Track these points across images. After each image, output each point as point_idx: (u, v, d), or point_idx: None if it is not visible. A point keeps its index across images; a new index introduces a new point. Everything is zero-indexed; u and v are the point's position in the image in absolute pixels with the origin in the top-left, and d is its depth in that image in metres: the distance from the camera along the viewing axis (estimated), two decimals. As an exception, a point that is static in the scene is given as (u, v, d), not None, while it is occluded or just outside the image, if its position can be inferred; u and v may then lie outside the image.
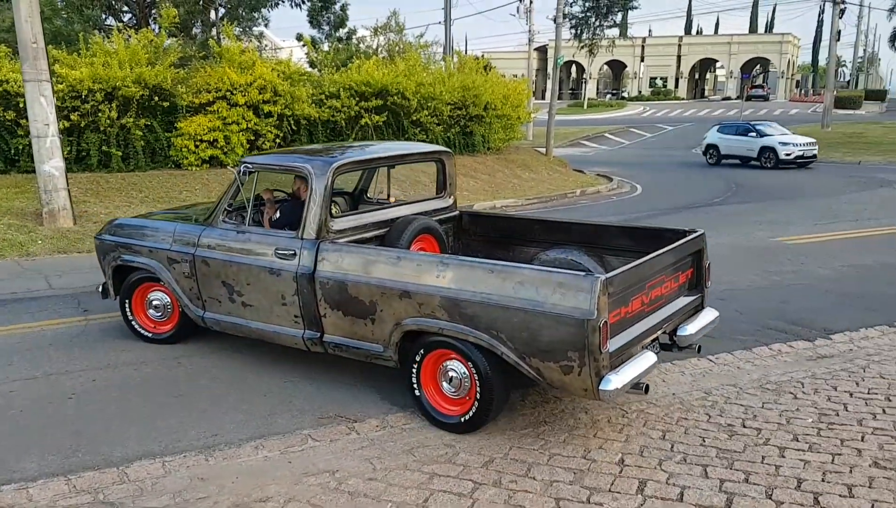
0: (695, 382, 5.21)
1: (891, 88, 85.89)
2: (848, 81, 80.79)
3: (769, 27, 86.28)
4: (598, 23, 36.27)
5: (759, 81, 73.71)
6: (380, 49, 23.26)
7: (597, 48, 36.36)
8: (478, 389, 4.25)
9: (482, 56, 24.60)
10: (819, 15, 71.87)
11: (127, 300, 5.98)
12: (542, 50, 70.62)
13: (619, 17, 38.92)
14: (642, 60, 78.01)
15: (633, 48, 74.12)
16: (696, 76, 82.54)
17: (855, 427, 4.35)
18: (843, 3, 34.47)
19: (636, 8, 28.36)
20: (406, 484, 3.77)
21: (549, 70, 70.04)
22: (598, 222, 6.00)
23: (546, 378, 4.00)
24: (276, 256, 4.91)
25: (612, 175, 20.05)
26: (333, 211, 4.92)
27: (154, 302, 5.91)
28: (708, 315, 5.04)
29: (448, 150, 6.28)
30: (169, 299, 5.86)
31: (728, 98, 71.18)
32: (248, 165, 5.24)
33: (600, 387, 3.83)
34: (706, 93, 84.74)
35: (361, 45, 24.47)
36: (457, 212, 6.26)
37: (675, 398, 4.90)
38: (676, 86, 77.56)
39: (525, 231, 6.09)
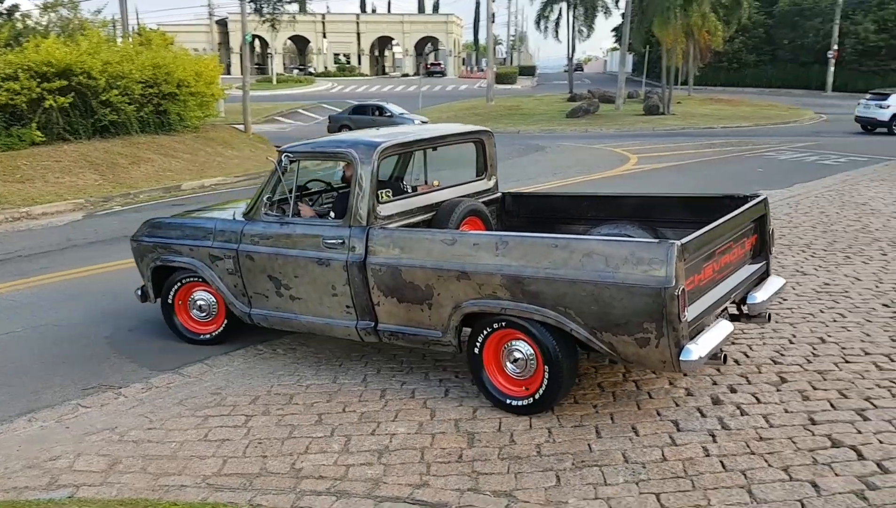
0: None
1: (539, 64, 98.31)
2: (504, 59, 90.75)
3: (436, 8, 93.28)
4: (276, -2, 36.51)
5: (432, 58, 79.79)
6: (51, 26, 21.22)
7: (279, 23, 36.62)
8: (545, 368, 4.14)
9: (158, 29, 23.60)
10: (476, -3, 79.49)
11: (169, 302, 5.71)
12: (223, 23, 68.60)
13: (299, -8, 39.50)
14: (325, 37, 79.54)
15: (315, 24, 75.29)
16: (376, 53, 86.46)
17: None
18: (496, -13, 38.98)
19: (314, -16, 29.23)
20: (184, 427, 4.29)
21: (232, 44, 68.17)
22: (650, 194, 5.91)
23: (620, 353, 3.91)
24: (324, 245, 4.75)
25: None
26: (380, 196, 4.79)
27: (198, 302, 5.67)
28: (776, 282, 5.00)
29: (488, 130, 6.12)
30: (214, 299, 5.62)
31: (407, 75, 75.84)
32: (290, 155, 5.05)
33: (681, 358, 3.72)
34: (386, 70, 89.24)
35: (28, 21, 22.06)
36: (499, 194, 6.11)
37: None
38: (359, 62, 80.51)
39: (572, 209, 5.94)
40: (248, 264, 5.10)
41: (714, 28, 32.99)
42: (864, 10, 46.60)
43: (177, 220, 5.86)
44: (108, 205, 12.75)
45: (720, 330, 4.09)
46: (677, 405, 4.29)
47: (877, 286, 6.53)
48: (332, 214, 5.01)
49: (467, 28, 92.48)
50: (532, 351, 4.18)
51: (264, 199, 5.10)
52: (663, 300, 3.62)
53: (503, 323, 4.23)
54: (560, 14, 41.83)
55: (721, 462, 3.63)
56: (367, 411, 4.41)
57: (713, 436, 3.89)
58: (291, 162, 5.04)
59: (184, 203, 12.88)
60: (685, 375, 4.42)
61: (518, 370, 4.28)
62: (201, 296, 5.63)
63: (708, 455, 3.70)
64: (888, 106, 23.09)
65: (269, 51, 66.49)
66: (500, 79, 56.76)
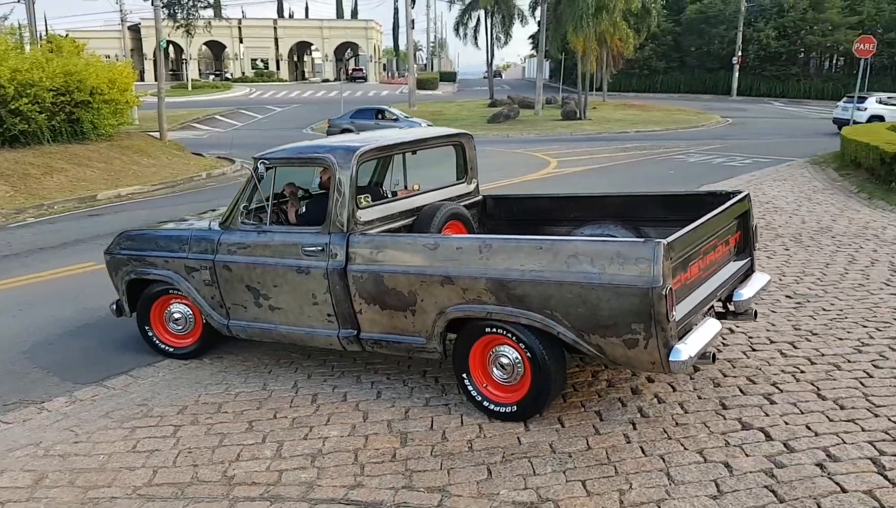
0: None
1: (459, 70, 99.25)
2: (425, 64, 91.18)
3: (354, 14, 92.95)
4: (191, 3, 35.71)
5: (352, 64, 79.47)
6: (-52, 32, 20.16)
7: (194, 28, 35.85)
8: (533, 373, 4.08)
9: (67, 36, 22.77)
10: (395, 3, 79.74)
11: (144, 316, 5.50)
12: (136, 29, 66.46)
13: (212, -1, 38.78)
14: (241, 42, 78.07)
15: (231, 29, 73.78)
16: (295, 58, 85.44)
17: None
18: (414, -6, 39.21)
19: (228, -11, 28.79)
20: (112, 440, 4.21)
21: (146, 50, 66.04)
22: (631, 194, 5.87)
23: (608, 355, 3.87)
24: (302, 253, 4.62)
25: (233, 157, 20.54)
26: (360, 202, 4.66)
27: (175, 315, 5.45)
28: (761, 279, 4.98)
29: (468, 133, 6.05)
30: (190, 311, 5.42)
31: (327, 80, 75.26)
32: (265, 161, 4.88)
33: (670, 358, 3.67)
34: (306, 75, 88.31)
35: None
36: (480, 197, 6.02)
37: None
38: (278, 67, 79.35)
39: (554, 210, 5.89)
40: (225, 274, 4.95)
41: (625, 36, 34.16)
42: (765, 18, 49.13)
43: (151, 231, 5.64)
44: (21, 217, 12.22)
45: (708, 329, 4.05)
46: (600, 396, 4.48)
47: (780, 279, 6.94)
48: (310, 222, 4.86)
49: (387, 34, 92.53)
50: (519, 356, 4.11)
51: (241, 207, 4.96)
52: (651, 300, 3.57)
53: (489, 328, 4.16)
54: (478, 21, 42.39)
55: (641, 447, 3.82)
56: (299, 416, 4.43)
57: (633, 424, 4.08)
58: (268, 169, 4.88)
59: (100, 213, 12.47)
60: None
61: (505, 376, 4.21)
62: (178, 309, 5.44)
63: (629, 442, 3.89)
64: (865, 109, 24.64)
65: (184, 57, 64.77)
66: (422, 84, 57.01)
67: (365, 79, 74.62)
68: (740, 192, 5.01)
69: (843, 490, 3.30)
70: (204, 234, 5.15)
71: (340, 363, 5.26)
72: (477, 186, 6.02)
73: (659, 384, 4.60)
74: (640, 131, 27.93)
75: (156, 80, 22.66)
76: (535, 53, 51.02)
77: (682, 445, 3.82)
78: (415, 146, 5.51)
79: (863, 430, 3.85)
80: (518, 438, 4.02)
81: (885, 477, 3.38)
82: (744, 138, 24.24)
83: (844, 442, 3.73)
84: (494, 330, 4.15)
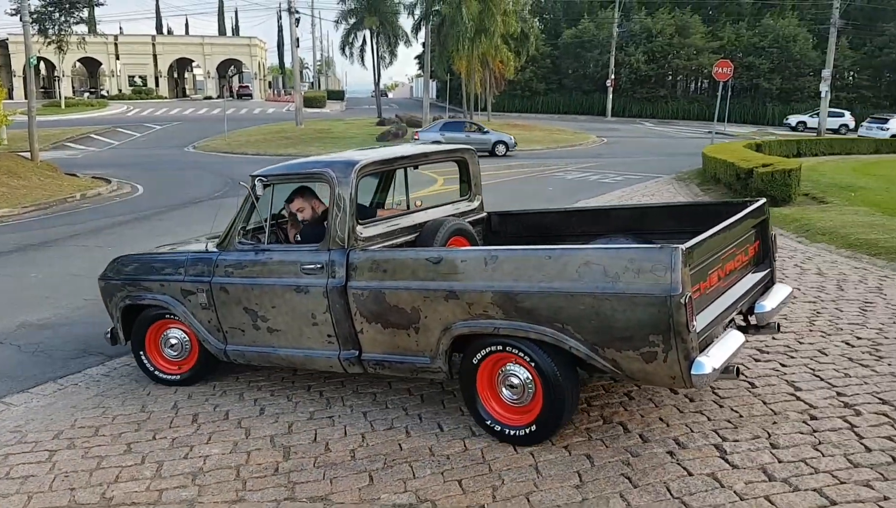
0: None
1: (347, 88, 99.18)
2: (312, 83, 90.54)
3: (236, 31, 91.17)
4: (63, 18, 34.10)
5: (236, 81, 77.85)
6: None
7: (66, 44, 34.23)
8: (545, 392, 3.89)
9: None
10: (278, 21, 78.91)
11: (140, 343, 5.28)
12: (3, 45, 62.62)
13: (85, 13, 37.12)
14: (118, 58, 74.91)
15: (107, 45, 70.77)
16: (176, 75, 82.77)
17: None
18: (298, 12, 39.04)
19: (102, 4, 27.64)
20: (-20, 471, 4.05)
21: (14, 67, 62.21)
22: (641, 205, 5.75)
23: (625, 370, 3.66)
24: (301, 272, 4.47)
25: (110, 177, 19.73)
26: (359, 218, 4.51)
27: (171, 341, 5.24)
28: (783, 290, 4.76)
29: (471, 148, 5.87)
30: (187, 336, 5.21)
31: (210, 97, 73.34)
32: (263, 179, 4.69)
33: (692, 372, 3.46)
34: (187, 92, 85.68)
35: None
36: (485, 214, 5.85)
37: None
38: (157, 84, 76.62)
39: (561, 225, 5.72)
40: (222, 296, 4.79)
41: (506, 58, 35.39)
42: (635, 43, 52.11)
43: (146, 255, 5.44)
44: None
45: (731, 341, 3.84)
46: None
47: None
48: (309, 240, 4.72)
49: (271, 51, 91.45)
50: (529, 375, 3.94)
51: (238, 227, 4.82)
52: (669, 309, 3.37)
53: (497, 345, 3.97)
54: (364, 41, 42.67)
55: (514, 447, 4.06)
56: (179, 436, 4.42)
57: (507, 426, 4.33)
58: (265, 187, 4.72)
59: (-40, 238, 11.72)
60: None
61: (515, 397, 4.04)
62: (173, 334, 5.24)
63: (502, 443, 4.13)
64: (888, 128, 27.97)
65: (56, 74, 61.43)
66: (309, 102, 56.63)
67: (251, 96, 73.34)
68: (758, 200, 4.80)
69: (690, 474, 3.64)
70: (200, 256, 4.99)
71: (223, 382, 5.26)
72: (481, 202, 5.86)
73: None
74: (523, 150, 28.90)
75: (26, 98, 21.46)
76: (421, 73, 51.83)
77: (550, 441, 4.08)
78: (416, 161, 5.37)
79: (709, 419, 4.25)
80: (399, 444, 4.18)
81: (726, 461, 3.76)
82: (617, 157, 25.59)
83: (692, 431, 4.11)
84: (503, 348, 3.96)
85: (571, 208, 6.26)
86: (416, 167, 5.51)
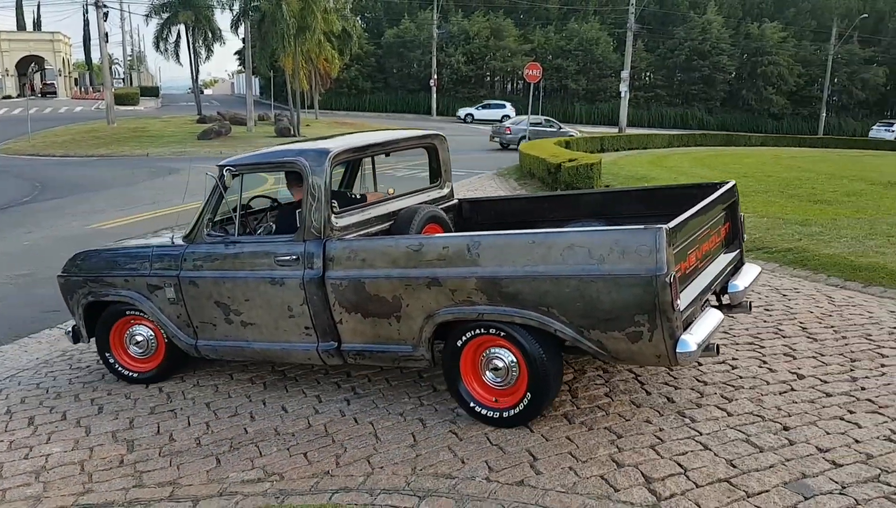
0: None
1: (162, 85, 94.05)
2: (123, 79, 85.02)
3: (37, 25, 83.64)
4: None
5: (38, 78, 71.44)
6: None
7: None
8: (530, 374, 3.92)
9: None
10: (84, 15, 73.31)
11: (104, 340, 5.11)
12: None
13: None
14: None
15: None
16: (-36, 71, 74.43)
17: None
18: (105, 6, 36.70)
19: None
20: None
21: None
22: (609, 190, 5.52)
23: (610, 351, 3.70)
24: (276, 263, 4.37)
25: None
26: (334, 207, 4.35)
27: (136, 338, 5.09)
28: (752, 270, 4.84)
29: (441, 134, 5.69)
30: (152, 333, 5.07)
31: (9, 96, 66.74)
32: (231, 169, 4.57)
33: (678, 350, 3.52)
34: (-20, 90, 77.39)
35: None
36: (455, 200, 5.73)
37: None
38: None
39: (532, 210, 5.68)
40: (191, 290, 4.68)
41: (331, 56, 35.45)
42: (455, 45, 53.93)
43: (108, 250, 5.21)
44: None
45: (711, 320, 3.91)
46: (318, 382, 5.04)
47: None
48: (281, 231, 4.63)
49: (77, 47, 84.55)
50: (514, 358, 3.99)
51: (206, 219, 4.68)
52: (655, 289, 3.42)
53: (480, 330, 4.01)
54: (179, 36, 40.86)
55: (354, 419, 4.42)
56: (16, 439, 4.38)
57: (347, 401, 4.69)
58: (234, 176, 4.62)
59: None
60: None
61: (500, 380, 4.07)
62: (138, 331, 5.10)
63: (343, 415, 4.49)
64: (894, 131, 31.67)
65: None
66: (121, 100, 53.32)
67: (55, 94, 67.66)
68: (727, 182, 4.91)
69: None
70: (166, 249, 4.86)
71: (56, 385, 5.20)
72: (451, 189, 5.82)
73: (368, 368, 5.27)
74: (351, 148, 29.15)
75: None
76: (243, 69, 50.51)
77: (387, 411, 4.50)
78: (387, 148, 5.30)
79: (523, 381, 4.85)
80: (245, 428, 4.41)
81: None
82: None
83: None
84: (486, 331, 4.00)
85: (542, 194, 6.32)
86: (387, 155, 5.44)
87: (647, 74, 57.42)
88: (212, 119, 36.60)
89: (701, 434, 3.86)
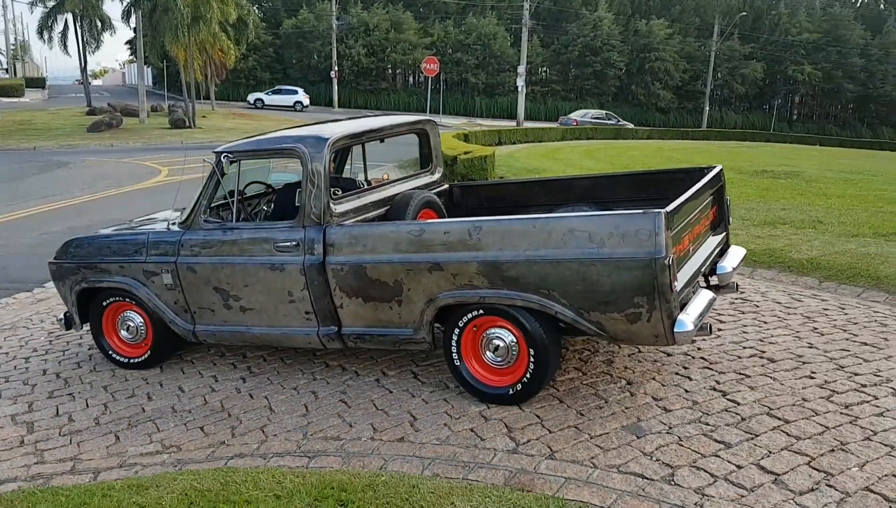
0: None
1: (49, 75, 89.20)
2: (7, 69, 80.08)
3: None
4: None
5: None
6: None
7: None
8: (530, 354, 4.02)
9: None
10: (-42, -1, 68.47)
11: (98, 327, 5.23)
12: None
13: None
14: None
15: None
16: None
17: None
18: (-16, -9, 34.66)
19: None
20: None
21: None
22: (599, 175, 5.64)
23: (609, 331, 3.81)
24: (275, 249, 4.44)
25: None
26: (334, 193, 4.41)
27: (128, 323, 5.21)
28: (738, 252, 4.96)
29: (432, 120, 5.80)
30: (141, 320, 5.16)
31: None
32: (229, 155, 4.62)
33: (676, 329, 3.65)
34: None
35: None
36: (446, 186, 5.76)
37: None
38: None
39: (521, 196, 5.72)
40: (189, 276, 4.74)
41: (227, 47, 34.77)
42: (355, 36, 53.78)
43: (102, 237, 5.22)
44: None
45: (703, 299, 4.04)
46: (215, 364, 5.31)
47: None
48: (279, 217, 4.70)
49: (-52, 33, 78.91)
50: (514, 338, 4.11)
51: (203, 205, 4.72)
52: (654, 272, 3.54)
53: (480, 311, 4.11)
54: (67, 25, 39.02)
55: (249, 394, 4.74)
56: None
57: (243, 379, 5.00)
58: (231, 163, 4.66)
59: None
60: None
61: (500, 359, 4.20)
62: (129, 317, 5.20)
63: (239, 392, 4.79)
64: None
65: None
66: (5, 91, 50.48)
67: None
68: (714, 167, 5.04)
69: (391, 392, 4.62)
70: (163, 235, 4.90)
71: (-52, 376, 5.25)
72: (442, 174, 5.88)
73: (262, 348, 5.58)
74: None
75: None
76: (134, 59, 48.67)
77: (281, 387, 4.83)
78: (382, 134, 5.32)
79: (409, 355, 5.29)
80: (142, 407, 4.66)
81: (417, 377, 4.80)
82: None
83: (396, 365, 5.11)
84: (487, 313, 4.11)
85: (531, 180, 6.51)
86: (381, 141, 5.42)
87: (543, 68, 59.08)
88: (102, 111, 35.26)
89: (558, 391, 4.40)
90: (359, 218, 4.69)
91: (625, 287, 3.63)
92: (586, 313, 3.79)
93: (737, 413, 3.99)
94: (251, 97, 49.76)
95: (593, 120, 36.73)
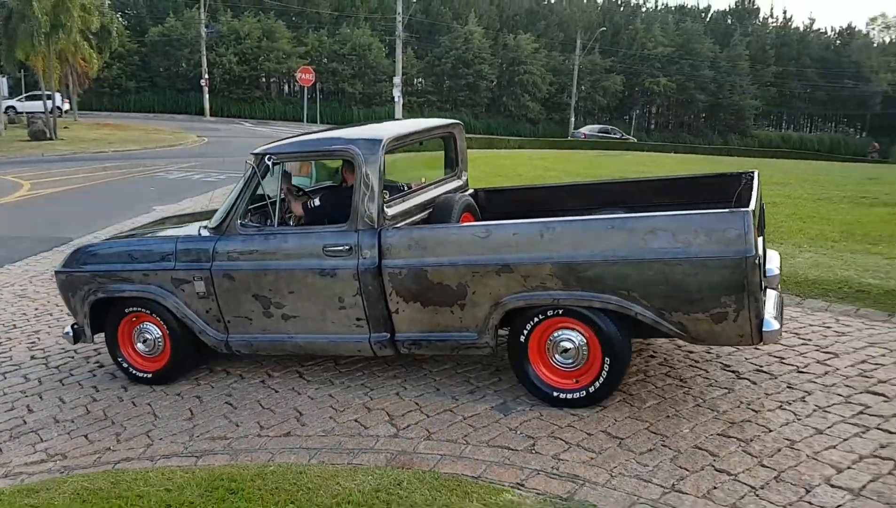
0: None
1: None
2: None
3: None
4: None
5: None
6: None
7: None
8: (605, 357, 3.95)
9: None
10: None
11: (113, 340, 5.00)
12: None
13: None
14: None
15: None
16: None
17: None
18: None
19: None
20: None
21: None
22: (629, 180, 5.32)
23: (691, 332, 3.76)
24: (325, 254, 4.29)
25: None
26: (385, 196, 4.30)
27: (145, 336, 4.98)
28: (775, 255, 4.89)
29: (460, 123, 5.72)
30: (159, 332, 4.92)
31: None
32: (273, 156, 4.46)
33: (764, 329, 3.64)
34: None
35: None
36: (471, 190, 5.65)
37: None
38: None
39: (551, 201, 5.53)
40: (226, 284, 4.55)
41: (89, 56, 33.18)
42: (226, 44, 52.61)
43: (120, 244, 5.08)
44: None
45: (773, 299, 4.08)
46: (94, 374, 5.32)
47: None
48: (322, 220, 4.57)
49: None
50: (584, 339, 4.05)
51: (239, 209, 4.55)
52: (745, 270, 3.52)
53: (552, 313, 4.03)
54: None
55: (132, 402, 4.81)
56: None
57: (125, 388, 5.05)
58: (275, 165, 4.48)
59: None
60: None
61: (569, 362, 4.13)
62: (146, 329, 4.96)
63: (121, 401, 4.86)
64: None
65: None
66: None
67: None
68: (751, 172, 4.96)
69: (276, 391, 4.82)
70: (194, 242, 4.72)
71: None
72: (467, 179, 5.80)
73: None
74: (119, 151, 27.66)
75: None
76: (-17, 67, 45.36)
77: (164, 393, 4.92)
78: (422, 136, 5.26)
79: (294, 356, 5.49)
80: (23, 419, 4.64)
81: (303, 376, 5.03)
82: (219, 156, 26.11)
83: (281, 367, 5.31)
84: (555, 315, 4.05)
85: (560, 184, 6.48)
86: (420, 143, 5.36)
87: (419, 79, 60.00)
88: (-54, 122, 32.65)
89: (435, 380, 4.77)
90: (406, 222, 4.64)
91: (712, 287, 3.61)
92: (668, 314, 3.76)
93: (590, 390, 4.48)
94: (4, 104, 44.03)
95: (600, 134, 40.17)
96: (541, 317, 4.08)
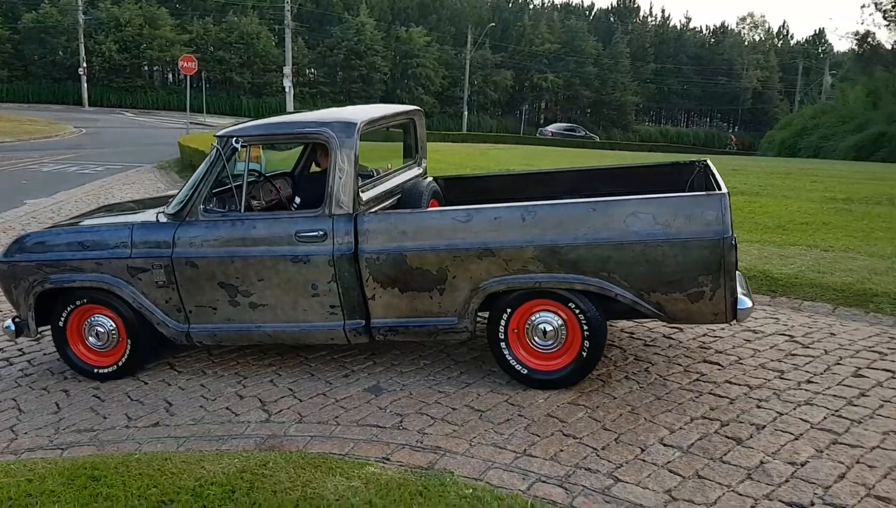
0: None
1: None
2: None
3: None
4: None
5: None
6: None
7: None
8: (585, 336, 4.02)
9: None
10: None
11: (62, 334, 4.68)
12: None
13: None
14: None
15: None
16: None
17: None
18: None
19: None
20: None
21: None
22: (586, 169, 5.56)
23: (667, 312, 3.87)
24: (297, 240, 4.17)
25: None
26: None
27: (96, 329, 4.65)
28: None
29: (420, 109, 5.75)
30: (113, 324, 4.61)
31: None
32: (241, 138, 4.30)
33: (739, 307, 3.78)
34: None
35: None
36: (431, 179, 5.50)
37: None
38: None
39: (508, 189, 5.59)
40: (188, 272, 4.36)
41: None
42: (105, 31, 50.06)
43: (69, 232, 4.76)
44: None
45: (740, 278, 4.21)
46: (23, 383, 5.12)
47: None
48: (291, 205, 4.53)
49: None
50: (562, 321, 4.09)
51: (202, 194, 4.36)
52: (722, 251, 3.69)
53: (529, 296, 4.07)
54: None
55: (29, 386, 4.70)
56: None
57: (17, 382, 4.90)
58: (242, 148, 4.31)
59: None
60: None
61: (548, 343, 4.15)
62: (98, 322, 4.69)
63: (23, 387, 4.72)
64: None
65: None
66: None
67: None
68: (703, 160, 5.20)
69: (146, 383, 4.79)
70: (151, 229, 4.50)
71: None
72: (426, 166, 5.73)
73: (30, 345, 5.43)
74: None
75: None
76: None
77: (29, 388, 4.81)
78: (388, 122, 5.10)
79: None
80: None
81: (174, 367, 5.01)
82: (97, 147, 24.99)
83: (186, 356, 5.25)
84: (534, 297, 4.09)
85: (517, 173, 6.54)
86: (387, 129, 5.27)
87: (311, 70, 59.15)
88: None
89: (310, 366, 4.88)
90: (378, 208, 4.57)
91: (691, 267, 3.76)
92: (647, 295, 3.89)
93: (457, 369, 4.72)
94: None
95: (564, 131, 40.96)
96: (519, 299, 4.13)
